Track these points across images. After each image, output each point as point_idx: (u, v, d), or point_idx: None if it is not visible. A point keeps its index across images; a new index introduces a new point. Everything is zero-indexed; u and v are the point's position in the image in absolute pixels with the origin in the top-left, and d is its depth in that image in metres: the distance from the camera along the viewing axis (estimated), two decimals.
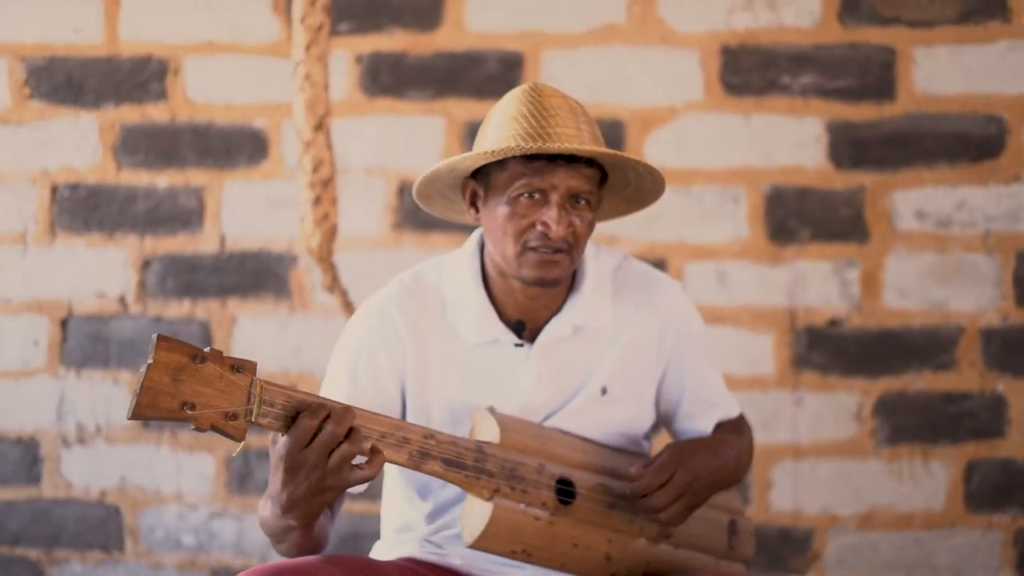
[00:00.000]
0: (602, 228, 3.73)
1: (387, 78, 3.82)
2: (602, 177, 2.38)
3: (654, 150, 3.79)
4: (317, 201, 3.35)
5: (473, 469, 2.27)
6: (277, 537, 2.20)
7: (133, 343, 3.92)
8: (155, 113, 3.91)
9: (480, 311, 2.41)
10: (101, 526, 3.96)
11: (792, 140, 3.77)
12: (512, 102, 2.34)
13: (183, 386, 1.96)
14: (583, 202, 2.32)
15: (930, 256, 3.76)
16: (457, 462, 2.25)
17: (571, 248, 2.33)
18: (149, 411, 1.94)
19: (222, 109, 3.90)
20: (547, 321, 2.44)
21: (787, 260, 3.78)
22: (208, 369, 1.98)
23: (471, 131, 3.77)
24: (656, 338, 2.50)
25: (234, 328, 3.90)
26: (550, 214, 2.28)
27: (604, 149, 2.27)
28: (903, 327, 3.76)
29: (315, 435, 2.02)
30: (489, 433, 2.33)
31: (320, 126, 3.36)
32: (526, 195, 2.29)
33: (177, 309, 3.92)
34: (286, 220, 3.84)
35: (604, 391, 2.45)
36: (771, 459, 3.78)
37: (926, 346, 3.76)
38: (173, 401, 1.95)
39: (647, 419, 2.53)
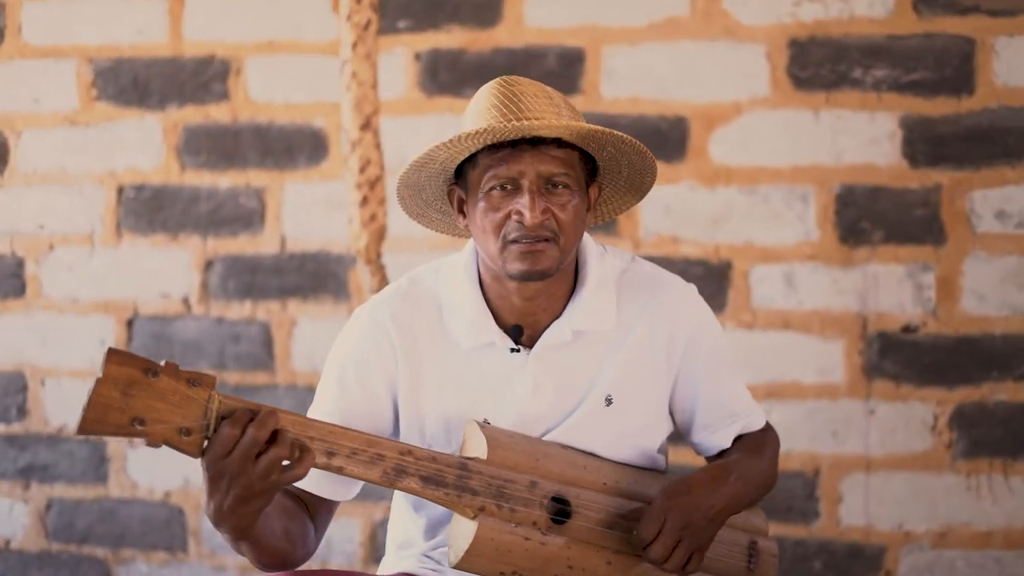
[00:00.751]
0: (664, 230, 3.62)
1: (445, 76, 3.74)
2: (592, 167, 2.28)
3: (719, 149, 3.64)
4: (364, 202, 3.30)
5: (455, 487, 2.17)
6: (236, 549, 2.14)
7: (197, 344, 3.92)
8: (217, 114, 3.89)
9: (475, 314, 2.30)
10: (165, 527, 3.96)
11: (864, 137, 3.59)
12: (482, 95, 2.25)
13: (134, 401, 1.90)
14: (561, 187, 2.20)
15: (1011, 259, 3.54)
16: (436, 479, 2.16)
17: (556, 235, 2.21)
18: (97, 426, 1.88)
19: (282, 109, 3.86)
20: (547, 326, 2.32)
21: (859, 263, 3.60)
22: (162, 383, 1.92)
23: None
24: (664, 343, 2.36)
25: (294, 330, 3.86)
26: (522, 201, 2.18)
27: (560, 123, 2.15)
28: (982, 334, 3.55)
29: (237, 442, 1.95)
30: (478, 448, 2.23)
31: (367, 125, 3.30)
32: (498, 187, 2.19)
33: (239, 311, 3.90)
34: (345, 221, 3.79)
35: (609, 401, 2.32)
36: (841, 472, 3.61)
37: (1007, 354, 3.55)
38: (123, 416, 1.89)
39: (660, 430, 2.39)
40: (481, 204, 2.21)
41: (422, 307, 2.34)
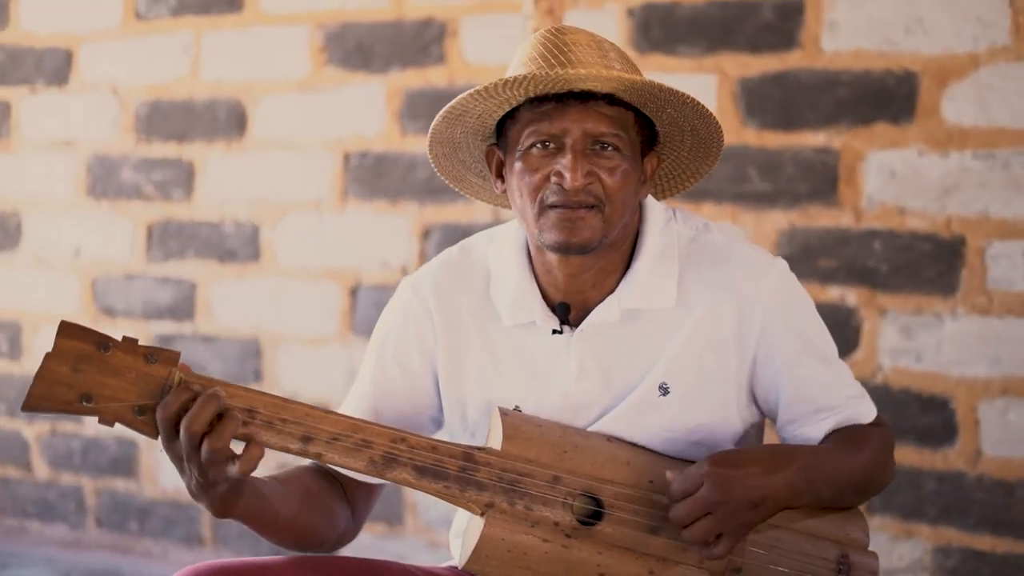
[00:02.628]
0: (888, 199, 3.21)
1: (658, 32, 3.47)
2: (649, 134, 1.99)
3: (952, 107, 3.19)
4: None
5: (457, 480, 1.95)
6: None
7: None
8: (435, 77, 3.78)
9: (519, 288, 2.06)
10: (383, 499, 3.90)
11: None
12: (527, 44, 2.00)
13: (84, 376, 1.80)
14: (610, 148, 1.93)
15: None
16: (434, 471, 1.94)
17: (602, 204, 1.94)
18: (44, 402, 1.79)
19: (496, 71, 3.69)
20: (597, 305, 2.05)
21: None
22: (116, 359, 1.81)
23: (745, 88, 3.35)
24: (734, 324, 2.02)
25: None
26: (563, 161, 1.92)
27: (611, 73, 1.88)
28: None
29: (177, 425, 1.80)
30: (496, 438, 2.00)
31: None
32: (538, 144, 1.94)
33: None
34: None
35: (664, 389, 2.02)
36: None
37: None
38: (71, 393, 1.80)
39: (731, 424, 2.06)
40: (519, 164, 1.97)
41: (469, 278, 2.12)
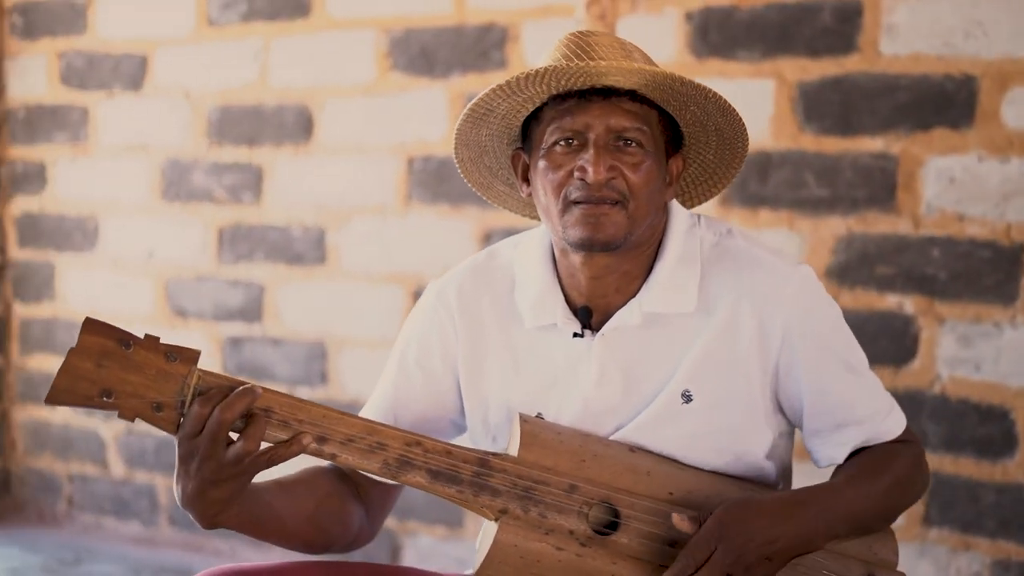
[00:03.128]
0: (947, 206, 3.15)
1: (716, 37, 3.44)
2: (673, 136, 2.00)
3: (1012, 112, 3.12)
4: None
5: (470, 485, 1.96)
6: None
7: None
8: (496, 81, 3.77)
9: (541, 290, 2.06)
10: (442, 504, 3.92)
11: None
12: (552, 47, 2.01)
13: (106, 372, 1.84)
14: (633, 144, 1.93)
15: None
16: (448, 475, 1.95)
17: (626, 200, 1.93)
18: (66, 396, 1.84)
19: None
20: (618, 310, 2.04)
21: None
22: (138, 356, 1.85)
23: (803, 93, 3.31)
24: (755, 331, 2.00)
25: None
26: (586, 157, 1.93)
27: (632, 66, 1.89)
28: None
29: (206, 422, 1.83)
30: (514, 444, 2.01)
31: None
32: (562, 142, 1.94)
33: None
34: None
35: (688, 397, 2.00)
36: None
37: None
38: (92, 388, 1.84)
39: (761, 434, 2.03)
40: (542, 163, 1.98)
41: (494, 282, 2.13)
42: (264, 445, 1.86)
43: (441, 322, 2.14)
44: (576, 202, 1.94)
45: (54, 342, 4.69)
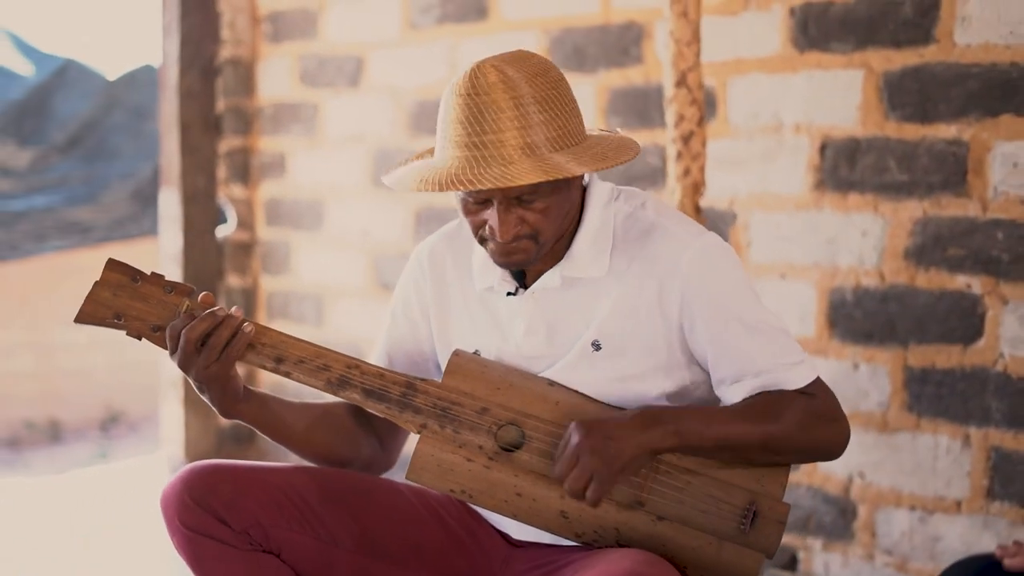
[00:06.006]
0: (1012, 190, 3.25)
1: (814, 30, 3.64)
2: None
3: None
4: (678, 156, 3.39)
5: (397, 403, 2.37)
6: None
7: None
8: (634, 76, 4.10)
9: (483, 258, 2.44)
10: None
11: None
12: (449, 109, 2.26)
13: (119, 300, 2.37)
14: (537, 199, 2.26)
15: None
16: (379, 394, 2.37)
17: (536, 235, 2.29)
18: (88, 317, 2.38)
19: None
20: (545, 272, 2.40)
21: None
22: (144, 288, 2.37)
23: (887, 82, 3.48)
24: (655, 294, 2.33)
25: None
26: (494, 219, 2.26)
27: (524, 180, 2.16)
28: None
29: (179, 336, 2.32)
30: (441, 372, 2.41)
31: (682, 81, 3.38)
32: (470, 199, 2.28)
33: None
34: (728, 179, 3.83)
35: (596, 346, 2.36)
36: None
37: None
38: (108, 312, 2.37)
39: (656, 380, 2.36)
40: (458, 203, 2.33)
41: (458, 248, 2.53)
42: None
43: (416, 279, 2.56)
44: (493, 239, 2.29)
45: (290, 312, 5.33)
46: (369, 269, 5.01)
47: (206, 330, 2.30)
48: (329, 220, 5.17)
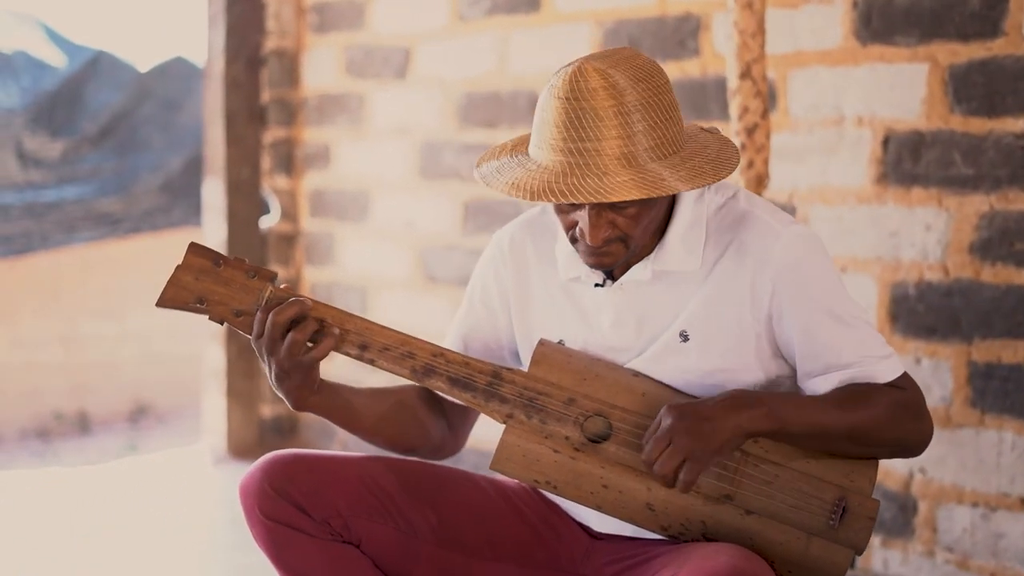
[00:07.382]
0: None
1: (878, 23, 3.62)
2: None
3: None
4: (742, 149, 3.37)
5: (484, 392, 2.35)
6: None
7: None
8: (690, 68, 4.08)
9: (569, 248, 2.42)
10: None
11: None
12: (548, 107, 2.22)
13: (201, 284, 2.35)
14: (627, 206, 2.24)
15: None
16: (465, 383, 2.35)
17: (626, 239, 2.28)
18: (170, 302, 2.36)
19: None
20: (635, 264, 2.38)
21: None
22: (226, 273, 2.35)
23: (953, 75, 3.45)
24: (747, 285, 2.31)
25: None
26: (584, 222, 2.24)
27: (623, 195, 2.13)
28: None
29: (265, 324, 2.28)
30: (528, 362, 2.39)
31: (746, 73, 3.36)
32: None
33: None
34: (788, 172, 3.81)
35: (684, 336, 2.34)
36: None
37: None
38: (190, 296, 2.35)
39: (747, 372, 2.34)
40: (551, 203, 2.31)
41: (541, 235, 2.51)
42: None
43: (496, 267, 2.54)
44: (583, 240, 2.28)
45: (333, 303, 5.28)
46: (414, 261, 4.99)
47: (293, 316, 2.28)
48: (374, 212, 5.15)
